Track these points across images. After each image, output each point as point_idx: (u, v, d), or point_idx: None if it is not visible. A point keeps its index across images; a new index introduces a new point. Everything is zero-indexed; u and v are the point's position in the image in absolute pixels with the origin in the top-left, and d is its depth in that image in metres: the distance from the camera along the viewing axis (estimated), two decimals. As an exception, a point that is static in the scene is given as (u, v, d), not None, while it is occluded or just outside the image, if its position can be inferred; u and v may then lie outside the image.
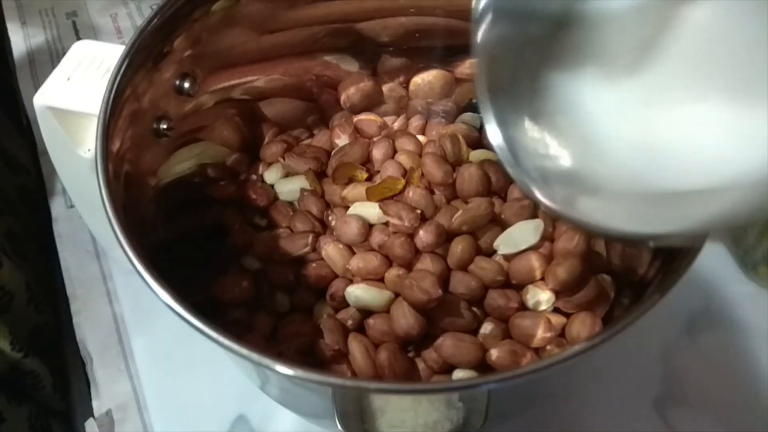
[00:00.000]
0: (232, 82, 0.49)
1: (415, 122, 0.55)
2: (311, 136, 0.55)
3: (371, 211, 0.46)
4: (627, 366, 0.53)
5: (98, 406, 0.55)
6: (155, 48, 0.39)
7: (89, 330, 0.58)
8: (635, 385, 0.53)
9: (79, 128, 0.42)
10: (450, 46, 0.52)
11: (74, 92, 0.40)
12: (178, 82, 0.42)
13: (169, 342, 0.53)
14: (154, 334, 0.55)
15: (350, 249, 0.46)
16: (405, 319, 0.41)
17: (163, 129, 0.41)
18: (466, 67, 0.53)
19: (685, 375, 0.54)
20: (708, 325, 0.57)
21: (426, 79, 0.54)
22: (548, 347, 0.41)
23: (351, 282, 0.45)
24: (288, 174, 0.51)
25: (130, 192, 0.38)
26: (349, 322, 0.44)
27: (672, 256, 0.36)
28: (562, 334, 0.43)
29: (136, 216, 0.39)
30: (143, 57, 0.39)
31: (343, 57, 0.53)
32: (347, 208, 0.48)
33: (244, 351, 0.28)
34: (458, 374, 0.41)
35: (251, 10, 0.45)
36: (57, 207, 0.65)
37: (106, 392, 0.55)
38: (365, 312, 0.44)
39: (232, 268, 0.47)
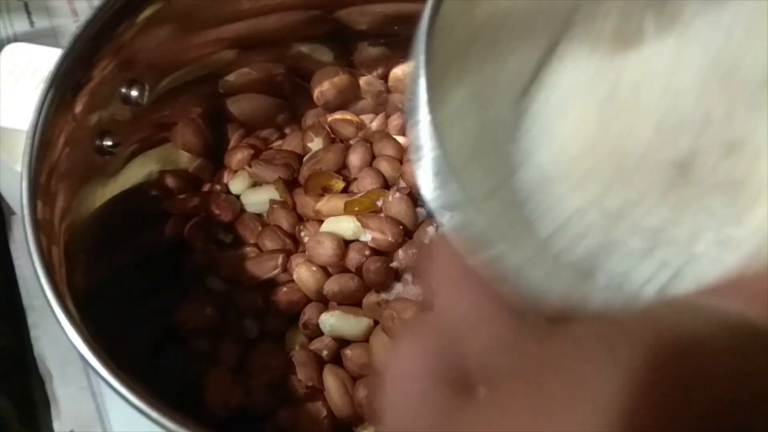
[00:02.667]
0: (189, 79, 0.44)
1: (396, 121, 0.50)
2: (282, 136, 0.50)
3: (347, 226, 0.42)
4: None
5: (59, 427, 0.51)
6: (94, 56, 0.35)
7: (48, 344, 0.54)
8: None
9: (15, 143, 0.37)
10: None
11: (4, 106, 0.36)
12: (124, 91, 0.38)
13: (135, 357, 0.50)
14: (117, 349, 0.52)
15: (324, 270, 0.42)
16: (386, 352, 0.38)
17: (108, 146, 0.37)
18: (450, 58, 0.49)
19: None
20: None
21: (407, 71, 0.49)
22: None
23: (326, 307, 0.41)
24: (255, 183, 0.46)
25: (69, 218, 0.34)
26: (324, 353, 0.40)
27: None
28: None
29: (78, 244, 0.35)
30: (80, 67, 0.34)
31: (317, 47, 0.48)
32: (321, 221, 0.43)
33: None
34: (444, 413, 0.38)
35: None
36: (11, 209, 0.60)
37: (68, 412, 0.51)
38: (342, 340, 0.40)
39: (194, 291, 0.43)
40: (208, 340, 0.41)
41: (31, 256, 0.28)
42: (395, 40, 0.48)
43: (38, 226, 0.29)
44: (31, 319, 0.56)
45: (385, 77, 0.50)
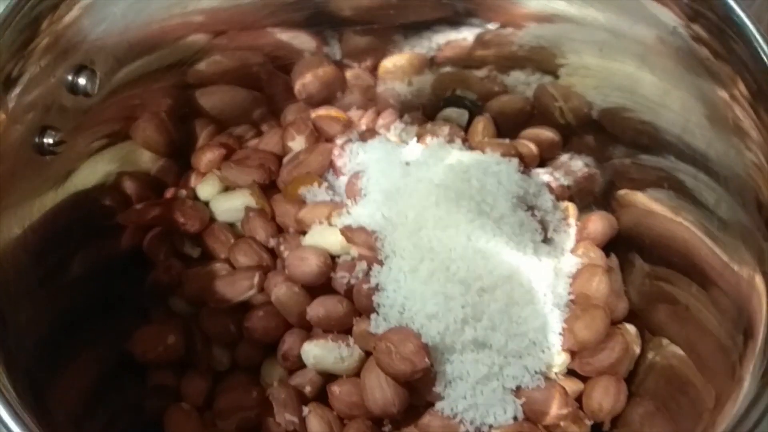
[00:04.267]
0: (153, 68, 0.40)
1: (387, 118, 0.46)
2: (259, 134, 0.46)
3: (334, 239, 0.37)
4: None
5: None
6: (30, 38, 0.30)
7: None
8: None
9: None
10: (427, 22, 0.44)
11: None
12: (70, 78, 0.33)
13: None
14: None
15: (307, 291, 0.36)
16: (381, 391, 0.33)
17: (50, 144, 0.32)
18: (447, 49, 0.45)
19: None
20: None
21: (398, 63, 0.46)
22: (562, 424, 0.33)
23: (309, 334, 0.36)
24: (227, 188, 0.42)
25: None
26: (307, 389, 0.36)
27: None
28: (578, 402, 0.34)
29: (10, 260, 0.30)
30: (13, 51, 0.29)
31: (298, 34, 0.44)
32: (304, 232, 0.39)
33: None
34: (448, 463, 0.33)
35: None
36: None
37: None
38: (328, 375, 0.36)
39: (154, 314, 0.39)
40: (170, 372, 0.37)
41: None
42: (385, 27, 0.44)
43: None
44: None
45: (374, 69, 0.46)
